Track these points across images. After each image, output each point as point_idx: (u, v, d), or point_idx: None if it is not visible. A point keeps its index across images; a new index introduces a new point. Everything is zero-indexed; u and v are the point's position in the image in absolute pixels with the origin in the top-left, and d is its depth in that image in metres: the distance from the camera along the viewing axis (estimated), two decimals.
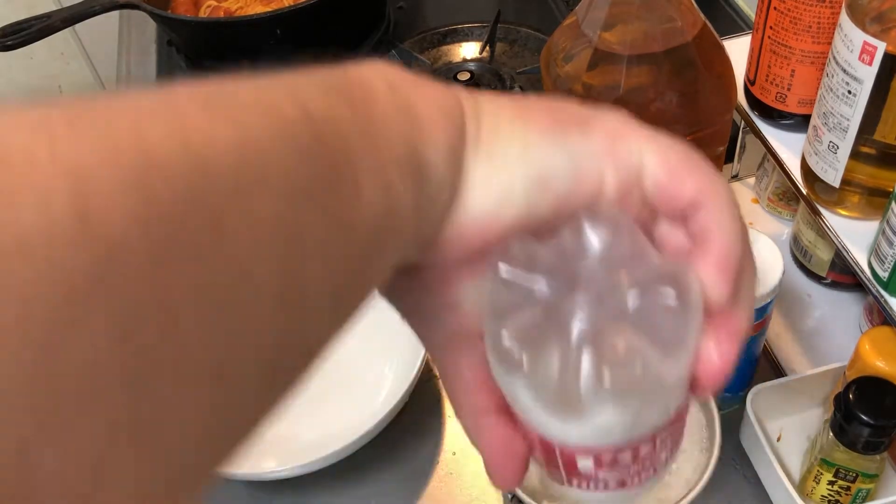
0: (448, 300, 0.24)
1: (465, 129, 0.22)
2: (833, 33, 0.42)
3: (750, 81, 0.52)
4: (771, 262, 0.45)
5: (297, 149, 0.17)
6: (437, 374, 0.58)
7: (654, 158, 0.22)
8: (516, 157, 0.22)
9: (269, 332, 0.15)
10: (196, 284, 0.14)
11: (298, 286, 0.16)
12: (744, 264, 0.22)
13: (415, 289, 0.24)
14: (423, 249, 0.22)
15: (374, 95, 0.20)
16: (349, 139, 0.18)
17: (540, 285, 0.21)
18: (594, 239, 0.21)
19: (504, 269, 0.21)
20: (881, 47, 0.39)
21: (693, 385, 0.22)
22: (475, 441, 0.25)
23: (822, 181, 0.46)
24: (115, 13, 0.93)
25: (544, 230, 0.22)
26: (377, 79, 0.21)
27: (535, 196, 0.21)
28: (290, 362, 0.17)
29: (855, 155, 0.43)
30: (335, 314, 0.18)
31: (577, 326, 0.21)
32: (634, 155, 0.22)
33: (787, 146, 0.51)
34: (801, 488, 0.47)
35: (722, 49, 0.45)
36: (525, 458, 0.24)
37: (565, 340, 0.21)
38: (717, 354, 0.22)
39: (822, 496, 0.46)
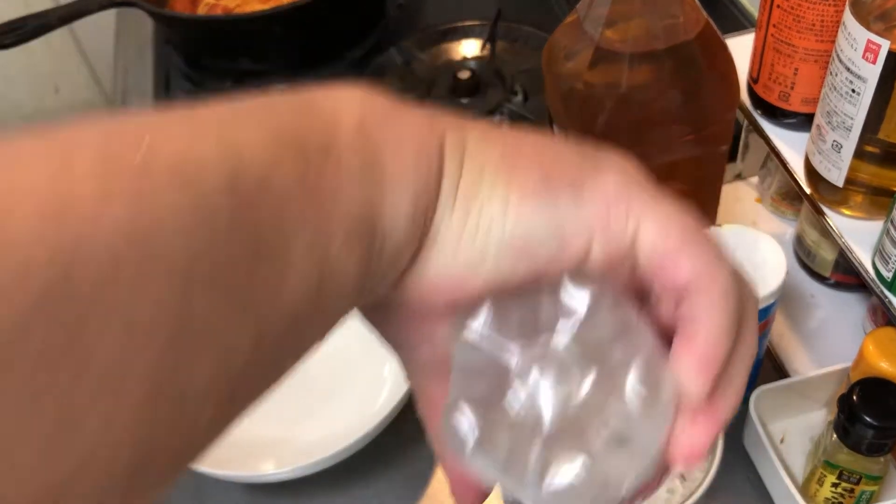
0: (422, 334, 0.22)
1: (442, 176, 0.20)
2: (837, 31, 0.42)
3: (753, 80, 0.52)
4: (774, 262, 0.44)
5: (210, 228, 0.15)
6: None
7: (651, 231, 0.20)
8: (494, 218, 0.19)
9: (131, 431, 0.14)
10: (40, 389, 0.12)
11: (180, 382, 0.14)
12: (736, 353, 0.21)
13: (389, 321, 0.23)
14: (376, 302, 0.20)
15: (336, 142, 0.18)
16: (287, 204, 0.16)
17: (506, 355, 0.20)
18: (571, 310, 0.20)
19: (471, 331, 0.20)
20: (885, 45, 0.38)
21: (663, 464, 0.21)
22: (443, 466, 0.24)
23: (825, 180, 0.46)
24: (113, 11, 0.93)
25: (524, 287, 0.21)
26: (347, 114, 0.18)
27: (510, 262, 0.20)
28: (159, 459, 0.15)
29: (859, 154, 0.43)
30: (225, 408, 0.16)
31: (533, 412, 0.19)
32: (630, 225, 0.20)
33: (791, 145, 0.51)
34: (804, 490, 0.47)
35: (725, 47, 0.44)
36: (485, 494, 0.24)
37: (518, 426, 0.20)
38: (688, 442, 0.20)
39: (826, 498, 0.45)
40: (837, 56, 0.42)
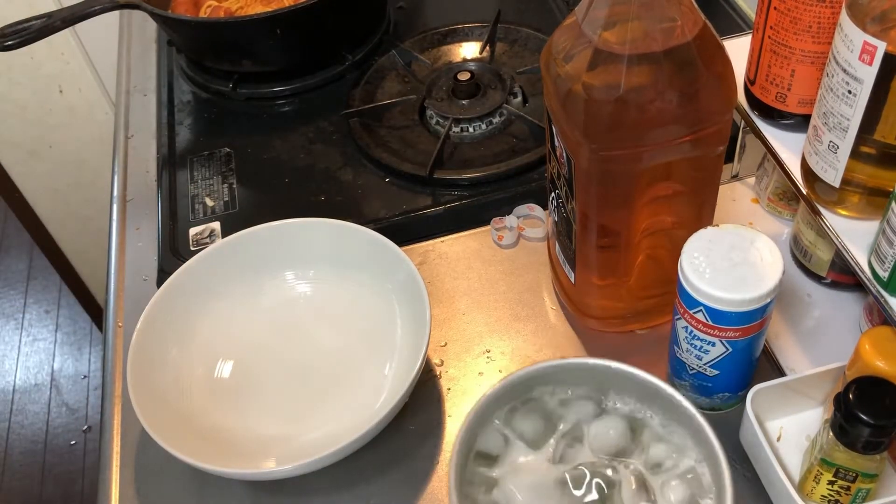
0: None
1: None
2: (833, 33, 0.42)
3: (750, 81, 0.52)
4: (771, 262, 0.45)
5: None
6: (437, 373, 0.58)
7: None
8: None
9: None
10: None
11: None
12: None
13: None
14: None
15: None
16: None
17: None
18: None
19: None
20: (881, 47, 0.39)
21: None
22: None
23: (822, 181, 0.46)
24: (116, 13, 0.93)
25: None
26: None
27: None
28: None
29: (855, 154, 0.44)
30: None
31: None
32: None
33: (788, 146, 0.51)
34: (801, 488, 0.47)
35: (722, 49, 0.45)
36: None
37: None
38: None
39: (823, 496, 0.46)
40: (834, 58, 0.42)
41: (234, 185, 0.73)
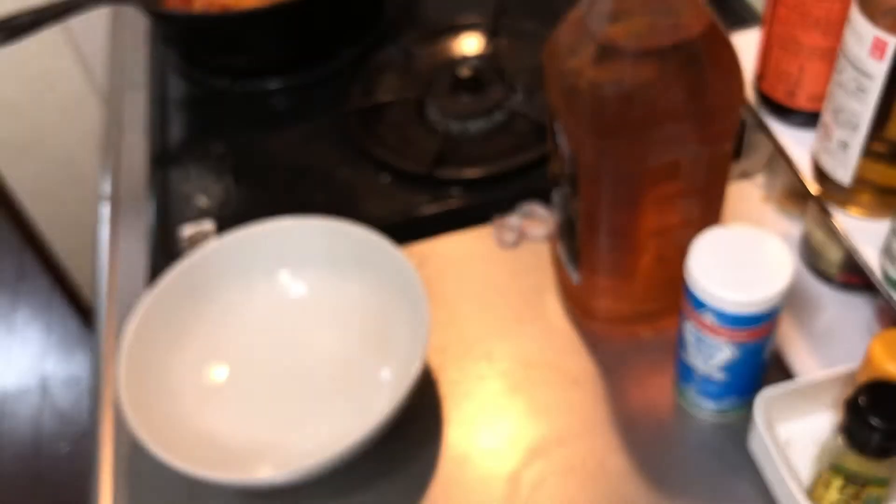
0: None
1: None
2: (843, 28, 0.41)
3: (759, 77, 0.51)
4: (780, 262, 0.44)
5: None
6: (436, 378, 0.57)
7: None
8: None
9: None
10: None
11: None
12: None
13: None
14: None
15: None
16: None
17: None
18: None
19: None
20: (892, 42, 0.38)
21: None
22: None
23: (832, 180, 0.45)
24: (107, 7, 0.92)
25: None
26: None
27: None
28: None
29: (866, 152, 0.43)
30: None
31: None
32: None
33: (798, 143, 0.50)
34: (810, 494, 0.46)
35: (730, 43, 0.44)
36: None
37: None
38: None
39: (833, 502, 0.45)
40: (844, 53, 0.41)
41: (229, 184, 0.72)
